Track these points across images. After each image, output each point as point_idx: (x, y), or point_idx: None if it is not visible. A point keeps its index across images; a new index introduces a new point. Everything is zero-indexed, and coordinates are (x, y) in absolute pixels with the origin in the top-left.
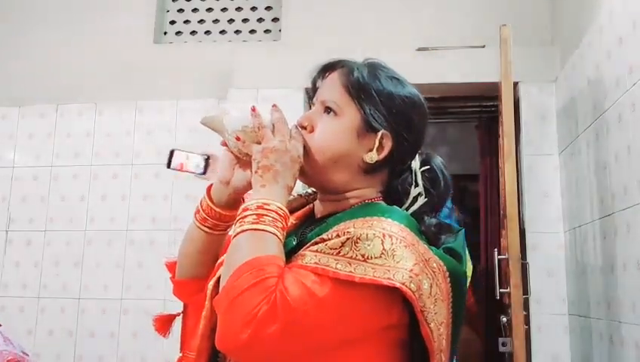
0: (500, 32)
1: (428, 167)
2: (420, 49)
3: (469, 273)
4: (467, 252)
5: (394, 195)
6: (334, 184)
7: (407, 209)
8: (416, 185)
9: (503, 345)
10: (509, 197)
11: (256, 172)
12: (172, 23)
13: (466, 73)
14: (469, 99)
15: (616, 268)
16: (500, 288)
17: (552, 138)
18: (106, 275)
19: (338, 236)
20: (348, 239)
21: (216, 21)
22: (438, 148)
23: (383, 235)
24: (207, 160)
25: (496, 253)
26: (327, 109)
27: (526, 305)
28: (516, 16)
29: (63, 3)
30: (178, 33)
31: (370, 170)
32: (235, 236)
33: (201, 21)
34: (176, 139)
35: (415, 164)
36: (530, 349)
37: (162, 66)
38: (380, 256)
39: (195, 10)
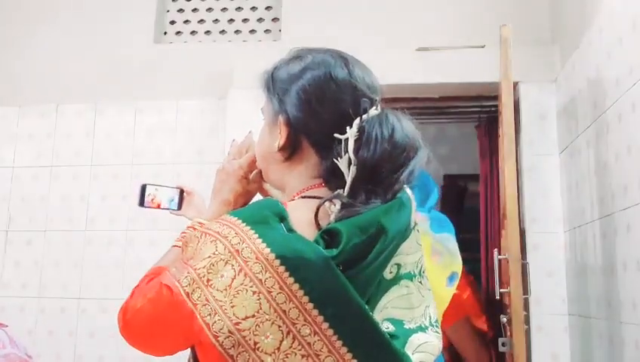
0: (500, 31)
1: (357, 130)
2: (419, 49)
3: (457, 268)
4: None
5: (330, 176)
6: (277, 185)
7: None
8: (343, 155)
9: (503, 345)
10: (509, 197)
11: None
12: (172, 23)
13: (466, 73)
14: (469, 99)
15: (616, 268)
16: (500, 288)
17: (552, 138)
18: (106, 275)
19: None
20: (184, 244)
21: (216, 21)
22: (438, 149)
23: (202, 234)
24: (181, 193)
25: (496, 253)
26: None
27: (526, 305)
28: (516, 16)
29: (63, 3)
30: (178, 33)
31: (287, 157)
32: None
33: (201, 21)
34: (176, 138)
35: (350, 131)
36: (530, 349)
37: (162, 66)
38: (192, 257)
39: (195, 10)
